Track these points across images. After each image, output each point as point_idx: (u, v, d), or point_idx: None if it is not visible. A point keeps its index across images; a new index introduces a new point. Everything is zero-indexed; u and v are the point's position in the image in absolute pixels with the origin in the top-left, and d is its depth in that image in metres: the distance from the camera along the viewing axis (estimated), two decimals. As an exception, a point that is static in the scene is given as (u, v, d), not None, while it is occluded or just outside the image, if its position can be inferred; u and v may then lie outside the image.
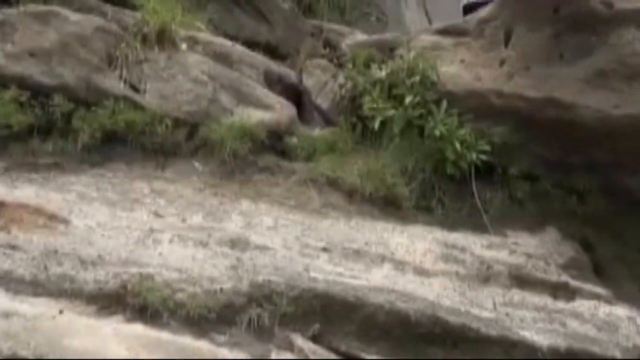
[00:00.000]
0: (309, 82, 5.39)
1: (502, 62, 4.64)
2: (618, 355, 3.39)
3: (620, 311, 3.91)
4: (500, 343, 3.15)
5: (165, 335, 2.82)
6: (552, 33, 4.44)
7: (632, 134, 4.30)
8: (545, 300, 3.80)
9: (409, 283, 3.48)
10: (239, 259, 3.31)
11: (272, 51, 6.15)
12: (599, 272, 4.47)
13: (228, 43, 5.07)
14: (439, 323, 3.10)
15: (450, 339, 3.10)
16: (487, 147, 4.52)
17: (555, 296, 3.86)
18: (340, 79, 5.01)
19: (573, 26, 4.37)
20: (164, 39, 4.69)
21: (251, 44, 5.83)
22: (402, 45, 5.07)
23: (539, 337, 3.27)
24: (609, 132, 4.33)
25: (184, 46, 4.77)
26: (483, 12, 4.92)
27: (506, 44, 4.65)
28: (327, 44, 6.29)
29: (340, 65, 5.35)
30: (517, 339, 3.19)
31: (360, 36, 5.73)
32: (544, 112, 4.43)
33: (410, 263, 3.68)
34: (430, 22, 8.47)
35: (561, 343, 3.26)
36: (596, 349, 3.33)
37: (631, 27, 4.20)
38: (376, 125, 4.61)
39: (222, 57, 4.89)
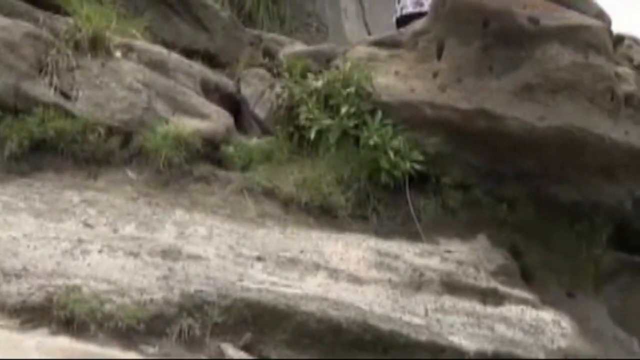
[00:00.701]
0: (247, 91, 5.39)
1: (435, 74, 4.76)
2: (542, 357, 3.52)
3: (546, 315, 4.05)
4: (429, 348, 3.22)
5: (92, 347, 2.76)
6: (481, 47, 4.58)
7: (556, 144, 4.48)
8: (475, 305, 3.90)
9: (342, 291, 3.52)
10: (171, 269, 3.28)
11: (210, 60, 6.13)
12: (527, 278, 4.63)
13: (164, 51, 5.03)
14: (369, 330, 3.15)
15: (381, 345, 3.15)
16: (421, 157, 4.62)
17: (484, 302, 3.97)
18: (277, 89, 5.03)
19: (501, 41, 4.53)
20: (97, 45, 4.61)
21: (189, 52, 5.79)
22: (339, 56, 5.14)
23: (467, 341, 3.36)
24: (535, 143, 4.49)
25: (118, 53, 4.69)
26: (416, 25, 5.05)
27: (439, 56, 4.78)
28: (267, 53, 6.31)
29: (278, 75, 5.38)
30: (445, 344, 3.27)
31: (297, 46, 5.78)
32: (474, 123, 4.57)
33: (344, 271, 3.72)
34: (369, 33, 8.62)
35: (488, 347, 3.36)
36: (521, 352, 3.45)
37: (555, 43, 4.39)
38: (312, 135, 4.65)
39: (157, 65, 4.84)
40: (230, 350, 2.85)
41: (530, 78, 4.43)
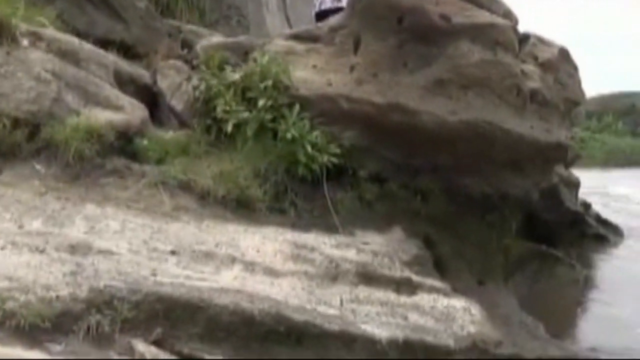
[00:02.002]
0: (163, 83, 5.29)
1: (351, 69, 4.83)
2: (451, 343, 3.63)
3: (457, 303, 4.19)
4: (342, 337, 3.27)
5: (-7, 347, 2.64)
6: (396, 43, 4.69)
7: (467, 138, 4.64)
8: (389, 295, 3.99)
9: (258, 283, 3.52)
10: (79, 265, 3.18)
11: (126, 51, 5.98)
12: (440, 268, 4.78)
13: (75, 40, 4.86)
14: (283, 321, 3.17)
15: (295, 336, 3.18)
16: (338, 150, 4.69)
17: (398, 291, 4.07)
18: (194, 81, 4.96)
19: (415, 37, 4.64)
20: (2, 33, 4.41)
21: (104, 43, 5.63)
22: (257, 49, 5.13)
23: (380, 330, 3.43)
24: (447, 137, 4.64)
25: (25, 42, 4.51)
26: (334, 20, 5.10)
27: (355, 51, 4.86)
28: (185, 45, 6.23)
29: (196, 67, 5.31)
30: (358, 333, 3.33)
31: (215, 38, 5.72)
32: (389, 117, 4.67)
33: (260, 264, 3.73)
34: (290, 26, 8.64)
35: (399, 335, 3.45)
36: (431, 339, 3.56)
37: (466, 40, 4.54)
38: (230, 128, 4.63)
39: (68, 55, 4.68)
40: (140, 345, 2.80)
41: (443, 74, 4.57)
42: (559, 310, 6.24)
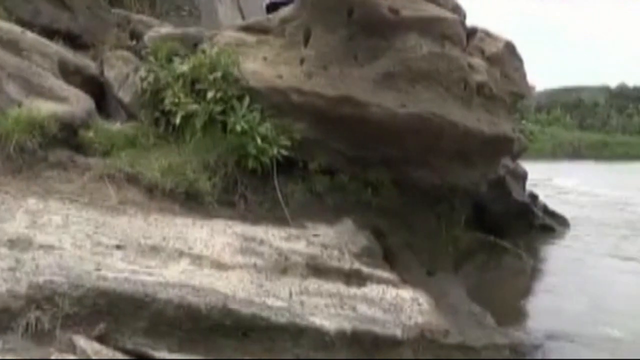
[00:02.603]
0: (110, 74, 5.19)
1: (302, 61, 4.82)
2: (399, 333, 3.68)
3: (406, 293, 4.24)
4: (290, 329, 3.28)
5: None
6: (346, 35, 4.70)
7: (416, 131, 4.69)
8: (338, 287, 4.00)
9: (205, 277, 3.49)
10: (19, 260, 3.10)
11: (73, 40, 5.85)
12: (390, 259, 4.83)
13: (17, 29, 4.72)
14: (230, 314, 3.15)
15: (241, 329, 3.16)
16: (288, 143, 4.68)
17: (348, 283, 4.09)
18: (142, 72, 4.88)
19: (365, 30, 4.66)
20: (-62, 22, 4.25)
21: (50, 32, 5.49)
22: (206, 40, 5.07)
23: (328, 321, 3.44)
24: (396, 129, 4.68)
25: (-37, 31, 4.36)
26: (284, 12, 5.08)
27: (305, 43, 4.85)
28: (134, 35, 6.11)
29: (144, 58, 5.22)
30: (305, 325, 3.33)
31: (164, 29, 5.63)
32: (340, 110, 4.68)
33: (208, 257, 3.69)
34: (244, 18, 8.57)
35: (347, 326, 3.47)
36: (379, 329, 3.59)
37: (414, 34, 4.58)
38: (178, 120, 4.57)
39: (10, 45, 4.55)
40: (81, 341, 2.74)
41: (392, 67, 4.60)
42: (507, 299, 6.37)
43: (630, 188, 16.31)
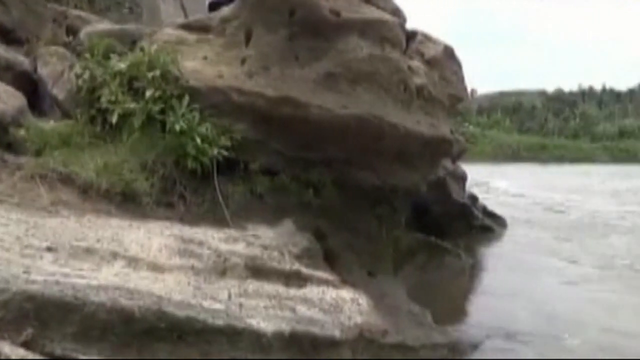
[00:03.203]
0: (44, 70, 5.02)
1: (243, 61, 4.78)
2: (338, 333, 3.68)
3: (346, 294, 4.25)
4: (227, 332, 3.23)
5: None
6: (288, 36, 4.68)
7: (357, 132, 4.72)
8: (278, 288, 3.98)
9: (140, 279, 3.41)
10: (-60, 264, 2.96)
11: (5, 35, 5.65)
12: (331, 260, 4.84)
13: (-58, 22, 4.51)
14: (164, 317, 3.08)
15: (176, 332, 3.10)
16: (229, 143, 4.63)
17: (287, 284, 4.07)
18: (77, 69, 4.74)
19: (306, 31, 4.66)
20: None
21: (-20, 26, 5.28)
22: (145, 37, 4.97)
23: (266, 323, 3.42)
24: (338, 130, 4.70)
25: None
26: (225, 10, 5.03)
27: (246, 43, 4.81)
28: (71, 31, 5.95)
29: (80, 55, 5.08)
30: (242, 327, 3.30)
31: (101, 25, 5.49)
32: (281, 110, 4.66)
33: (144, 259, 3.61)
34: (186, 16, 8.45)
35: (285, 327, 3.45)
36: (317, 330, 3.59)
37: (355, 36, 4.61)
38: (115, 118, 4.46)
39: None
40: (6, 348, 2.63)
41: (333, 68, 4.62)
42: (447, 299, 6.49)
43: (565, 190, 16.88)
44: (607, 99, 44.70)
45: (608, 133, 37.57)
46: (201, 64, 4.80)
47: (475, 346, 4.91)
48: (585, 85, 46.21)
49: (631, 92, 44.46)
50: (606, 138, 36.81)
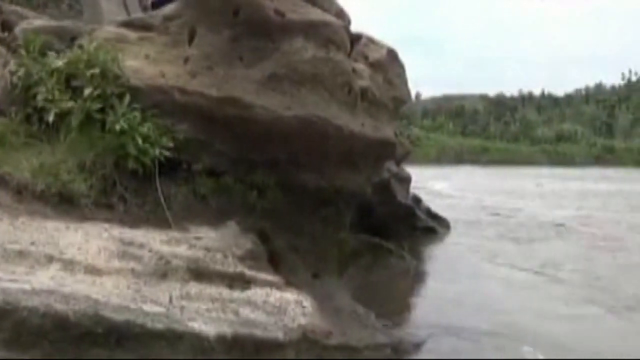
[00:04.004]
0: (-24, 67, 4.81)
1: (186, 60, 4.70)
2: (281, 335, 3.66)
3: (290, 296, 4.23)
4: (167, 336, 3.17)
5: None
6: (232, 36, 4.64)
7: (301, 133, 4.71)
8: (221, 291, 3.93)
9: (77, 283, 3.31)
10: None
11: None
12: (275, 262, 4.81)
13: None
14: (102, 322, 3.00)
15: (114, 337, 3.02)
16: (171, 144, 4.54)
17: (231, 286, 4.02)
18: (12, 66, 4.57)
19: (251, 31, 4.62)
20: None
21: None
22: (84, 34, 4.83)
23: (208, 326, 3.37)
24: (282, 132, 4.68)
25: None
26: (168, 9, 4.94)
27: (190, 42, 4.74)
28: (6, 27, 5.73)
29: (16, 51, 4.90)
30: (183, 331, 3.24)
31: (38, 21, 5.31)
32: (224, 111, 4.61)
33: (81, 262, 3.50)
34: (129, 14, 8.26)
35: (228, 330, 3.41)
36: (260, 332, 3.56)
37: (300, 37, 4.60)
38: (51, 117, 4.32)
39: None
40: None
41: (277, 69, 4.59)
42: (391, 300, 6.55)
43: (506, 193, 17.33)
44: (546, 103, 46.22)
45: (546, 137, 38.84)
46: (143, 63, 4.70)
47: (418, 346, 4.96)
48: (525, 90, 47.64)
49: (568, 97, 46.07)
50: (544, 142, 38.04)
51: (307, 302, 4.28)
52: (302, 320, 4.05)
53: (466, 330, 5.33)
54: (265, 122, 4.62)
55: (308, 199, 5.30)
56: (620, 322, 5.75)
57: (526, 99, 46.27)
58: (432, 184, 17.40)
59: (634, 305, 6.32)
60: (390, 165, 7.43)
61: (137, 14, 6.67)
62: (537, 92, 48.41)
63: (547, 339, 5.11)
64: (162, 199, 4.45)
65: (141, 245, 3.92)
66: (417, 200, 9.61)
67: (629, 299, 6.52)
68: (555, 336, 5.19)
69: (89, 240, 3.76)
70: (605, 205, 15.66)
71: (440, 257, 8.79)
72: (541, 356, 4.68)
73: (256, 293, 4.11)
